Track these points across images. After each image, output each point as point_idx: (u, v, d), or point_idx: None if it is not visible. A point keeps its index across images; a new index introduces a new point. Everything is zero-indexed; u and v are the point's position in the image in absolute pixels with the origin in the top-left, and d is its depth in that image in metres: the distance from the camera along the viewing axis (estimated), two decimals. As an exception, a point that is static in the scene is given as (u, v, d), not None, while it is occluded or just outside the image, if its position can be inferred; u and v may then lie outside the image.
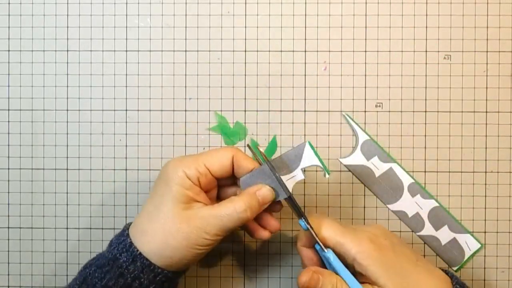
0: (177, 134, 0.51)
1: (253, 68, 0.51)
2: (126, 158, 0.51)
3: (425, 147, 0.51)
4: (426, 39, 0.51)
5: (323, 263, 0.44)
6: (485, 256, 0.51)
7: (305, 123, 0.51)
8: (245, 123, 0.51)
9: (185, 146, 0.51)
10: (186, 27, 0.51)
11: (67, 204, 0.51)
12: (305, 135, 0.51)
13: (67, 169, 0.51)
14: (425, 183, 0.51)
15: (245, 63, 0.51)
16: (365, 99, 0.51)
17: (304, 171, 0.44)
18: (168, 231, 0.41)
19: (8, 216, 0.51)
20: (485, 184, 0.51)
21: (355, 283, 0.41)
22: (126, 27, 0.51)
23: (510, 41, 0.51)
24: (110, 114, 0.51)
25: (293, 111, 0.51)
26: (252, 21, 0.51)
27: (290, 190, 0.43)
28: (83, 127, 0.51)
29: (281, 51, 0.51)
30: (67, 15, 0.51)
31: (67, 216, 0.51)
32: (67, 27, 0.51)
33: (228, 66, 0.51)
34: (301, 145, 0.44)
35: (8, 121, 0.51)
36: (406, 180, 0.51)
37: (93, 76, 0.51)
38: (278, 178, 0.43)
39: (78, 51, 0.51)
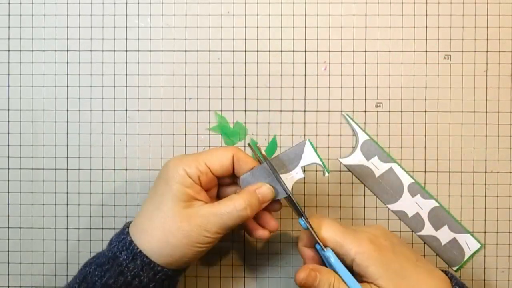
0: (177, 134, 0.51)
1: (253, 68, 0.51)
2: (126, 158, 0.51)
3: (425, 147, 0.51)
4: (426, 39, 0.51)
5: (324, 264, 0.44)
6: (485, 256, 0.51)
7: (305, 123, 0.51)
8: (245, 123, 0.51)
9: (185, 146, 0.51)
10: (186, 27, 0.51)
11: (67, 204, 0.51)
12: (305, 135, 0.51)
13: (67, 169, 0.51)
14: (425, 183, 0.51)
15: (245, 63, 0.51)
16: (365, 99, 0.51)
17: (304, 170, 0.44)
18: (168, 230, 0.41)
19: (8, 216, 0.51)
20: (485, 184, 0.51)
21: (354, 283, 0.41)
22: (126, 27, 0.51)
23: (510, 41, 0.51)
24: (110, 114, 0.51)
25: (293, 111, 0.51)
26: (252, 21, 0.51)
27: (290, 189, 0.43)
28: (83, 127, 0.51)
29: (281, 51, 0.51)
30: (67, 15, 0.51)
31: (67, 216, 0.51)
32: (67, 27, 0.51)
33: (228, 66, 0.51)
34: (301, 143, 0.44)
35: (8, 121, 0.51)
36: (406, 180, 0.51)
37: (93, 76, 0.51)
38: (278, 177, 0.43)
39: (78, 51, 0.51)
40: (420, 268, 0.42)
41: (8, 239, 0.51)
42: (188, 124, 0.51)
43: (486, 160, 0.51)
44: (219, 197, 0.46)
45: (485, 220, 0.51)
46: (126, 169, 0.51)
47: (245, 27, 0.51)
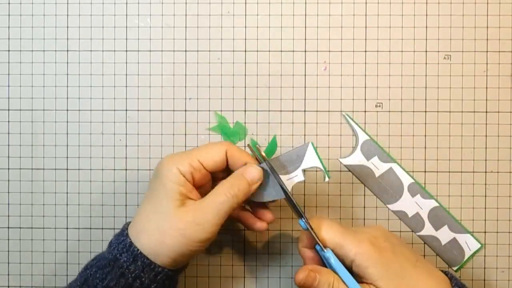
0: (177, 134, 0.51)
1: (253, 68, 0.51)
2: (126, 158, 0.51)
3: (425, 147, 0.51)
4: (426, 39, 0.51)
5: (324, 265, 0.44)
6: (485, 256, 0.51)
7: (305, 123, 0.51)
8: (245, 123, 0.51)
9: (185, 146, 0.51)
10: (186, 27, 0.51)
11: (67, 204, 0.51)
12: (305, 135, 0.51)
13: (67, 169, 0.51)
14: (425, 183, 0.51)
15: (245, 63, 0.51)
16: (365, 99, 0.51)
17: (305, 172, 0.44)
18: (164, 230, 0.41)
19: (8, 216, 0.51)
20: (485, 184, 0.51)
21: (354, 283, 0.41)
22: (126, 27, 0.51)
23: (510, 41, 0.51)
24: (110, 114, 0.51)
25: (293, 111, 0.51)
26: (252, 21, 0.51)
27: (290, 190, 0.43)
28: (83, 127, 0.51)
29: (281, 51, 0.51)
30: (67, 15, 0.51)
31: (67, 216, 0.51)
32: (67, 27, 0.51)
33: (228, 66, 0.51)
34: (303, 146, 0.44)
35: (8, 121, 0.51)
36: (406, 180, 0.51)
37: (93, 76, 0.51)
38: (277, 178, 0.43)
39: (78, 51, 0.51)
40: (420, 268, 0.42)
41: (8, 239, 0.51)
42: (188, 124, 0.51)
43: (486, 160, 0.51)
44: None
45: (485, 220, 0.51)
46: (126, 169, 0.51)
47: (245, 27, 0.51)
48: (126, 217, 0.51)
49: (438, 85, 0.51)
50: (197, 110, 0.51)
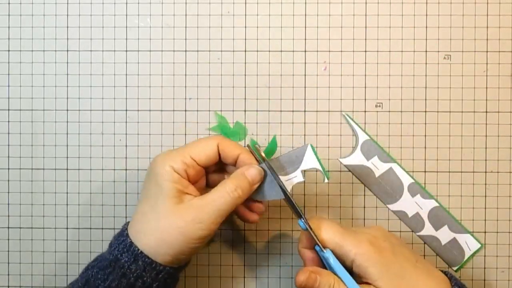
0: (177, 134, 0.51)
1: (253, 68, 0.51)
2: (126, 158, 0.51)
3: (425, 147, 0.51)
4: (426, 39, 0.51)
5: (324, 265, 0.44)
6: (485, 256, 0.51)
7: (305, 123, 0.51)
8: (245, 123, 0.51)
9: (185, 146, 0.51)
10: (186, 27, 0.51)
11: (67, 204, 0.51)
12: (305, 135, 0.51)
13: (67, 169, 0.51)
14: (425, 183, 0.51)
15: (245, 63, 0.51)
16: (365, 99, 0.51)
17: (304, 173, 0.44)
18: (163, 228, 0.41)
19: (8, 216, 0.51)
20: (485, 184, 0.51)
21: (354, 284, 0.41)
22: (126, 27, 0.51)
23: (510, 41, 0.51)
24: (110, 114, 0.51)
25: (293, 111, 0.51)
26: (252, 21, 0.51)
27: (289, 191, 0.43)
28: (83, 127, 0.51)
29: (281, 51, 0.51)
30: (67, 15, 0.51)
31: (67, 216, 0.51)
32: (67, 27, 0.51)
33: (228, 66, 0.51)
34: (303, 147, 0.44)
35: (8, 121, 0.51)
36: (406, 180, 0.51)
37: (93, 76, 0.51)
38: (276, 178, 0.43)
39: (78, 51, 0.51)
40: (420, 268, 0.42)
41: (8, 239, 0.51)
42: (188, 124, 0.51)
43: (486, 160, 0.51)
44: (208, 185, 0.47)
45: (485, 220, 0.51)
46: (126, 169, 0.51)
47: (245, 27, 0.51)
48: (126, 217, 0.51)
49: (438, 85, 0.51)
50: (197, 110, 0.51)
